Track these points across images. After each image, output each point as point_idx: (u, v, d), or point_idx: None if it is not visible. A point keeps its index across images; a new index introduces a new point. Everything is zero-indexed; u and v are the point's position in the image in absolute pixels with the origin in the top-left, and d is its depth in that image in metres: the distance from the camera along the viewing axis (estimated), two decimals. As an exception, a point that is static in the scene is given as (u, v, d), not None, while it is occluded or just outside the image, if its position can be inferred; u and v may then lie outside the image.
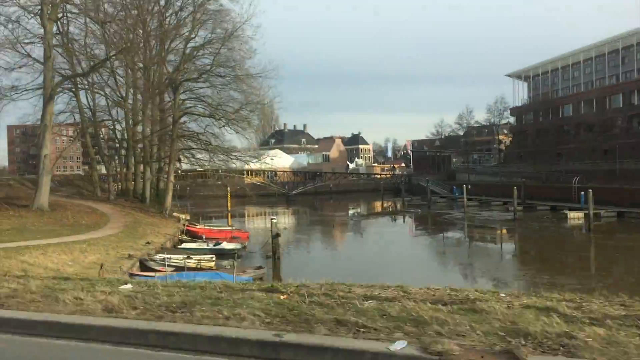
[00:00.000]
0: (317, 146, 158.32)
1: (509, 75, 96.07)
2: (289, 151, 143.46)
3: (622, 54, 73.13)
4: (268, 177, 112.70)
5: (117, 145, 51.86)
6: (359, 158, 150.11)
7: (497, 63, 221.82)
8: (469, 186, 79.87)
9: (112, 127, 51.69)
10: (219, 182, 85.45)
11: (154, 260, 22.58)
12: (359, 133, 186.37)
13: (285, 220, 57.87)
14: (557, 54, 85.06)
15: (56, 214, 35.08)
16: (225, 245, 29.77)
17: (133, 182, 51.77)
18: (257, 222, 59.03)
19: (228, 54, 38.33)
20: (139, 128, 52.35)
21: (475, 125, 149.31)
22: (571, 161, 71.70)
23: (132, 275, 18.68)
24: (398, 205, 74.77)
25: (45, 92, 35.99)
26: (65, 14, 37.51)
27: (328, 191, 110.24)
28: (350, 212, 72.46)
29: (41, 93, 42.17)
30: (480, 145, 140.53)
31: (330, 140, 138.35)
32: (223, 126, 38.79)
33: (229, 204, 59.88)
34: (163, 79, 41.55)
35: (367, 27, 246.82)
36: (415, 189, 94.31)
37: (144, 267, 21.78)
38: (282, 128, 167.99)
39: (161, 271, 20.54)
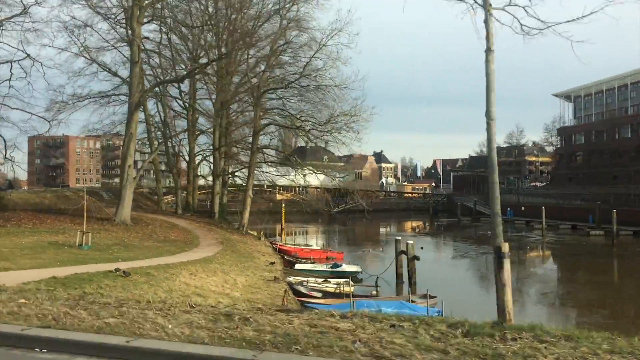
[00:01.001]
0: (342, 164, 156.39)
1: (556, 95, 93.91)
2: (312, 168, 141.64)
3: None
4: (300, 193, 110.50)
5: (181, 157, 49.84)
6: (382, 177, 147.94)
7: (530, 83, 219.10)
8: (523, 208, 77.60)
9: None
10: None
11: (302, 285, 20.15)
12: (382, 151, 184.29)
13: (344, 238, 55.42)
14: (604, 76, 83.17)
15: (141, 228, 32.88)
16: (346, 267, 27.37)
17: (191, 197, 49.77)
18: (314, 240, 56.55)
19: (319, 63, 36.20)
20: (201, 139, 50.43)
21: (506, 146, 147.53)
22: (629, 184, 69.06)
23: (302, 303, 16.27)
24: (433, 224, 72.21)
25: (131, 99, 33.94)
26: (154, 17, 35.59)
27: (359, 209, 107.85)
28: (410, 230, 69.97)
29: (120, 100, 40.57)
30: (505, 165, 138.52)
31: (363, 158, 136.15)
32: (316, 138, 36.47)
33: (283, 220, 57.54)
34: (246, 88, 39.45)
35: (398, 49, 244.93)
36: (457, 209, 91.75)
37: (293, 292, 19.40)
38: (304, 145, 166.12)
39: (311, 296, 18.14)
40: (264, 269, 22.54)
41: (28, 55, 32.73)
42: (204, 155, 51.49)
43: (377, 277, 22.16)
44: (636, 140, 73.08)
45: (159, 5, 33.84)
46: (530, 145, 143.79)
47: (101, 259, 19.46)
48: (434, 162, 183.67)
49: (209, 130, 46.52)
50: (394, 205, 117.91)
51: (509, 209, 75.31)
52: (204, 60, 36.91)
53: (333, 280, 21.99)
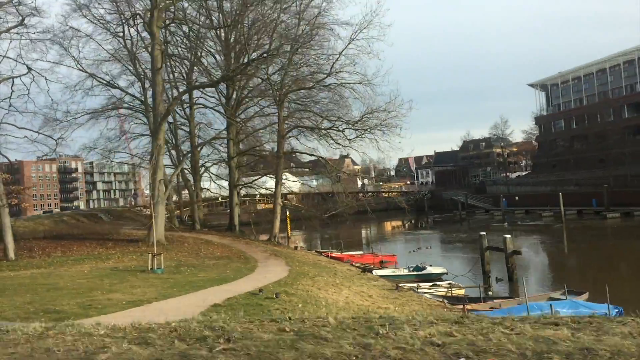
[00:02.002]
0: (307, 170, 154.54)
1: (531, 85, 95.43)
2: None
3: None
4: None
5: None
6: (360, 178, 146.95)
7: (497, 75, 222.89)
8: (517, 197, 77.99)
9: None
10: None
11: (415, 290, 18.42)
12: (348, 154, 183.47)
13: (354, 242, 53.80)
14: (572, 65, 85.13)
15: (181, 247, 30.48)
16: (431, 269, 25.73)
17: (200, 211, 47.15)
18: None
19: (345, 60, 34.52)
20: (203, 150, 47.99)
21: (472, 139, 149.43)
22: (619, 166, 70.30)
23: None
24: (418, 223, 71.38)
25: (155, 109, 31.37)
26: (174, 20, 33.11)
27: (341, 213, 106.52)
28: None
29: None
30: (478, 158, 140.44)
31: (340, 161, 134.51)
32: (355, 138, 34.68)
33: (289, 229, 55.52)
34: (268, 90, 37.42)
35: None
36: (444, 204, 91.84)
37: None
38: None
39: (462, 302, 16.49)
40: (362, 277, 20.68)
41: (29, 70, 29.76)
42: (206, 165, 48.87)
43: (489, 277, 20.70)
44: (621, 122, 74.64)
45: (183, 4, 31.41)
46: (495, 137, 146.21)
47: (198, 283, 17.19)
48: (401, 160, 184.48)
49: (218, 139, 44.16)
50: (373, 206, 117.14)
51: (504, 200, 75.64)
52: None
53: (441, 284, 20.39)
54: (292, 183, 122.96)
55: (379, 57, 31.95)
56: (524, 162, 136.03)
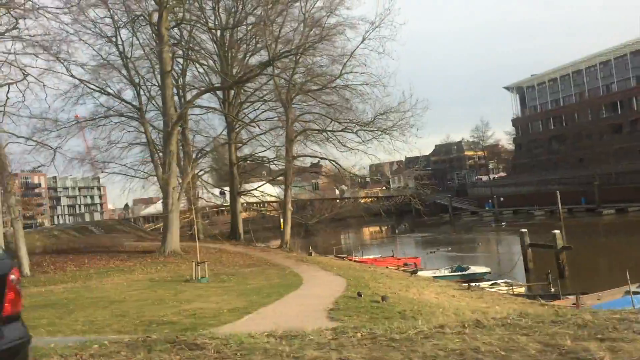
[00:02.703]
0: (280, 178, 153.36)
1: (507, 88, 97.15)
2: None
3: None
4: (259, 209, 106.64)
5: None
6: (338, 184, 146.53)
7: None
8: (502, 199, 78.83)
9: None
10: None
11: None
12: (319, 162, 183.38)
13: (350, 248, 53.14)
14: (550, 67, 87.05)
15: (201, 257, 28.98)
16: (475, 268, 25.19)
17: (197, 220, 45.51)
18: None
19: (356, 61, 33.88)
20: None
21: (444, 144, 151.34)
22: (602, 164, 71.71)
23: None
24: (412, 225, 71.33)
25: (166, 112, 30.03)
26: (182, 20, 31.88)
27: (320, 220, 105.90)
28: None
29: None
30: (450, 162, 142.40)
31: (317, 167, 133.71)
32: (371, 139, 33.98)
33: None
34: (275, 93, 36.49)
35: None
36: (427, 207, 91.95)
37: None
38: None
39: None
40: (419, 279, 20.00)
41: (25, 76, 27.99)
42: (200, 174, 47.29)
43: (549, 274, 20.26)
44: (599, 122, 76.41)
45: (193, 4, 30.23)
46: (466, 141, 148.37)
47: (264, 290, 16.16)
48: (371, 167, 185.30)
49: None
50: (351, 212, 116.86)
51: (489, 201, 76.14)
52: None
53: (500, 282, 19.87)
54: (270, 191, 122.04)
55: (392, 57, 31.30)
56: (491, 164, 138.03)
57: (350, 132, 34.74)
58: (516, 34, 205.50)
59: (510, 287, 18.90)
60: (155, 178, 45.14)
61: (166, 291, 16.76)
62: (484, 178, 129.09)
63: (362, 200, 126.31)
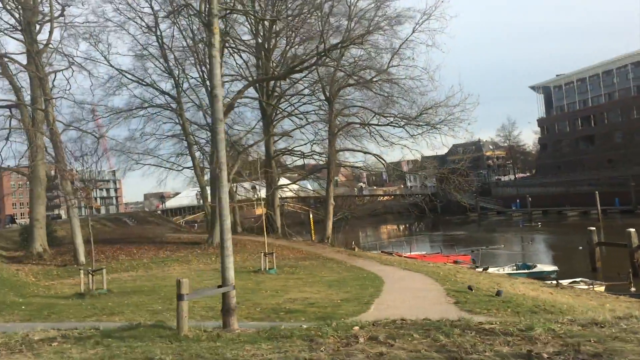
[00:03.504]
0: (296, 175, 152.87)
1: (533, 88, 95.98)
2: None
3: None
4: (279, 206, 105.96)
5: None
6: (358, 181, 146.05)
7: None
8: (529, 199, 77.81)
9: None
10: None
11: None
12: (317, 161, 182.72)
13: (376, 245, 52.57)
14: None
15: (248, 249, 28.58)
16: (542, 267, 24.54)
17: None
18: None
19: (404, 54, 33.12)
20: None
21: (461, 143, 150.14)
22: (628, 165, 70.67)
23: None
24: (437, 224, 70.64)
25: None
26: (233, 10, 31.30)
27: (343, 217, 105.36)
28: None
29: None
30: (456, 163, 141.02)
31: (338, 164, 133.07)
32: (420, 133, 33.29)
33: (312, 232, 53.95)
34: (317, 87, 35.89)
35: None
36: (450, 207, 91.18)
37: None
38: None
39: None
40: (500, 276, 19.42)
41: (71, 64, 27.57)
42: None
43: (630, 272, 19.61)
44: (629, 123, 75.00)
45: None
46: (484, 141, 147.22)
47: (348, 282, 15.63)
48: (389, 165, 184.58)
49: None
50: (370, 210, 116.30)
51: (517, 201, 75.16)
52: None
53: (578, 280, 19.26)
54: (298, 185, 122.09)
55: (442, 50, 30.61)
56: (509, 164, 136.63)
57: (396, 127, 34.05)
58: (543, 36, 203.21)
59: (590, 286, 18.27)
60: (185, 170, 45.02)
61: (245, 281, 16.27)
62: (504, 178, 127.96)
63: (380, 199, 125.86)
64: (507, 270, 24.33)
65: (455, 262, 29.43)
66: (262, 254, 19.57)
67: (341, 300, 11.29)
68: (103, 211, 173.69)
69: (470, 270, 21.01)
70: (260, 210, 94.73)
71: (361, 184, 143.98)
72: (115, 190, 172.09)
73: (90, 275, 13.64)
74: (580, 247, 32.38)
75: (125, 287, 14.80)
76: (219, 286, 7.08)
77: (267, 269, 19.21)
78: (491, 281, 15.92)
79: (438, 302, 10.74)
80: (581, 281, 19.55)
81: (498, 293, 11.61)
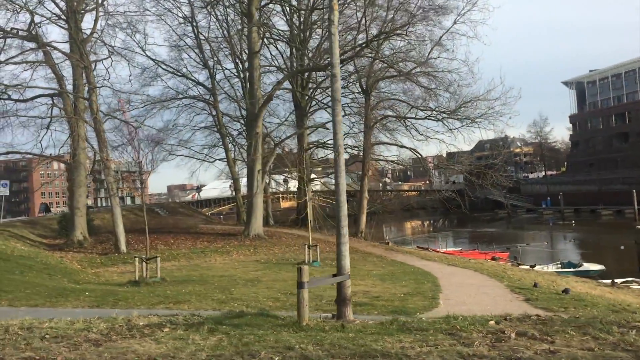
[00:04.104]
0: (320, 168, 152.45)
1: (565, 83, 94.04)
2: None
3: None
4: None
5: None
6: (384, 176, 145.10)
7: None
8: (560, 196, 76.41)
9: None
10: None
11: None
12: (359, 153, 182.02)
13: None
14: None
15: (283, 241, 28.45)
16: (588, 265, 23.98)
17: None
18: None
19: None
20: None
21: (489, 139, 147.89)
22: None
23: None
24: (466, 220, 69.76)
25: (253, 94, 29.38)
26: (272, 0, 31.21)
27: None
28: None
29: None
30: (494, 158, 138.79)
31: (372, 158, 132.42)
32: (460, 127, 32.75)
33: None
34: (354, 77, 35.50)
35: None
36: (477, 204, 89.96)
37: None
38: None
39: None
40: (547, 274, 18.92)
41: (111, 54, 27.59)
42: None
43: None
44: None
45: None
46: (512, 137, 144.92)
47: (399, 276, 15.36)
48: (415, 160, 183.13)
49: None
50: (402, 204, 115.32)
51: (548, 198, 73.80)
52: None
53: (633, 280, 18.72)
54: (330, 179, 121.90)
55: (484, 42, 29.96)
56: (535, 161, 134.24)
57: (433, 120, 33.53)
58: (574, 32, 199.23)
59: (645, 286, 17.75)
60: (217, 162, 45.05)
61: (292, 274, 16.02)
62: (531, 175, 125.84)
63: (406, 194, 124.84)
64: (552, 268, 23.78)
65: (493, 258, 28.91)
66: (306, 246, 19.35)
67: (404, 294, 11.02)
68: (128, 202, 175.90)
69: (516, 267, 20.52)
70: (286, 204, 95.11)
71: (385, 179, 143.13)
72: (141, 182, 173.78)
73: (144, 264, 13.60)
74: (622, 247, 31.56)
75: (175, 276, 14.74)
76: (334, 275, 6.87)
77: (311, 261, 19.02)
78: (545, 279, 15.48)
79: (506, 298, 10.40)
80: (633, 281, 18.97)
81: (566, 291, 11.21)
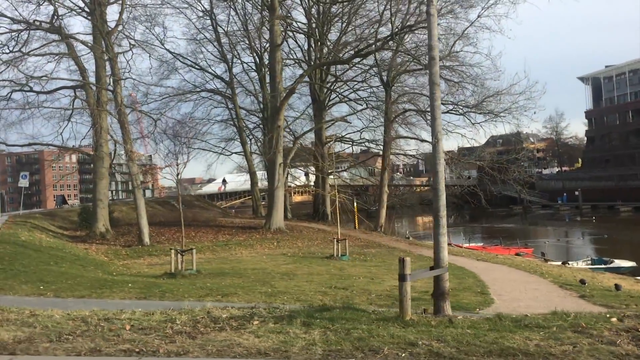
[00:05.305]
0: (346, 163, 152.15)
1: (581, 79, 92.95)
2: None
3: None
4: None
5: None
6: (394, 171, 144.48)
7: None
8: (577, 192, 75.72)
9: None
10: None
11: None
12: (369, 148, 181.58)
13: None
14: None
15: (304, 235, 28.29)
16: (619, 262, 23.61)
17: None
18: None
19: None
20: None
21: (501, 134, 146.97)
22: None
23: None
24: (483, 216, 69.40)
25: (275, 87, 29.12)
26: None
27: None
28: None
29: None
30: (507, 154, 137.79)
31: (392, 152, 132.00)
32: (484, 121, 32.42)
33: (356, 221, 53.41)
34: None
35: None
36: (492, 200, 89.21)
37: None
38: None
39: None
40: (580, 270, 18.59)
41: (132, 47, 27.40)
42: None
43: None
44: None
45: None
46: (525, 132, 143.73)
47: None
48: (426, 154, 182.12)
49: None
50: (406, 200, 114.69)
51: (565, 194, 73.08)
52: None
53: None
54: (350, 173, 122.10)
55: (508, 36, 29.42)
56: (547, 157, 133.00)
57: (454, 114, 33.18)
58: (589, 27, 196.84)
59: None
60: (233, 155, 44.89)
61: (324, 267, 15.92)
62: (545, 171, 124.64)
63: (418, 189, 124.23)
64: (581, 264, 23.40)
65: (518, 254, 28.55)
66: (335, 239, 19.14)
67: (451, 289, 10.75)
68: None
69: (545, 263, 20.17)
70: (298, 197, 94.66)
71: (396, 173, 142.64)
72: (152, 175, 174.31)
73: (180, 255, 13.43)
74: (648, 243, 31.06)
75: (207, 269, 14.55)
76: (431, 268, 6.61)
77: (339, 255, 18.80)
78: (584, 275, 15.15)
79: (559, 295, 10.11)
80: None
81: (617, 287, 10.90)
